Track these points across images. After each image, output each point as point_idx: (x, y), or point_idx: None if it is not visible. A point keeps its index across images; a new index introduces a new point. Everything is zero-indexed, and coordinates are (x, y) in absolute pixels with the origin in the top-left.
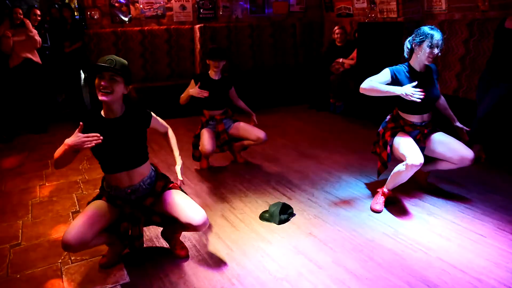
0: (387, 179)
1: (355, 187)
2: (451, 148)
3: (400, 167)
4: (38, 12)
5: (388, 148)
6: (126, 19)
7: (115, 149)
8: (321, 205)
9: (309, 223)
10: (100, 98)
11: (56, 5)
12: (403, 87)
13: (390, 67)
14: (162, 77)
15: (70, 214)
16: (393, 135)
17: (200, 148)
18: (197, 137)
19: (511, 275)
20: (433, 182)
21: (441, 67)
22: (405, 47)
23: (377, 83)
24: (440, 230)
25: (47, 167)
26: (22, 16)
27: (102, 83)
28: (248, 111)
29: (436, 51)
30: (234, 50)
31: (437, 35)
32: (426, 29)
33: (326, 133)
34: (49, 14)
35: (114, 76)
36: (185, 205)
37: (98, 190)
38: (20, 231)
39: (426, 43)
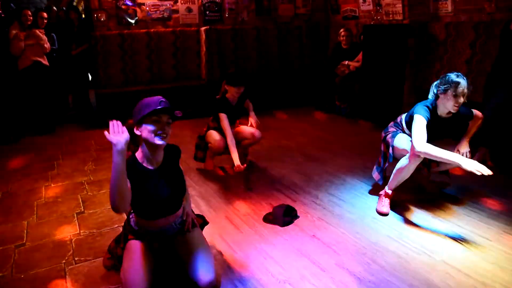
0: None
1: (360, 189)
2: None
3: (402, 161)
4: (45, 15)
5: (390, 149)
6: (132, 21)
7: (160, 199)
8: (325, 207)
9: (312, 225)
10: (158, 142)
11: (63, 8)
12: (473, 163)
13: (421, 112)
14: (168, 79)
15: (75, 215)
16: (394, 136)
17: (212, 144)
18: (202, 138)
19: None
20: (437, 184)
21: (447, 70)
22: (431, 90)
23: (439, 150)
24: (444, 233)
25: (52, 168)
26: (31, 18)
27: (161, 127)
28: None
29: (461, 100)
30: (239, 52)
31: (463, 83)
32: (452, 76)
33: (331, 135)
34: (56, 17)
35: (169, 118)
36: (197, 258)
37: (103, 192)
38: (25, 231)
39: (450, 92)
